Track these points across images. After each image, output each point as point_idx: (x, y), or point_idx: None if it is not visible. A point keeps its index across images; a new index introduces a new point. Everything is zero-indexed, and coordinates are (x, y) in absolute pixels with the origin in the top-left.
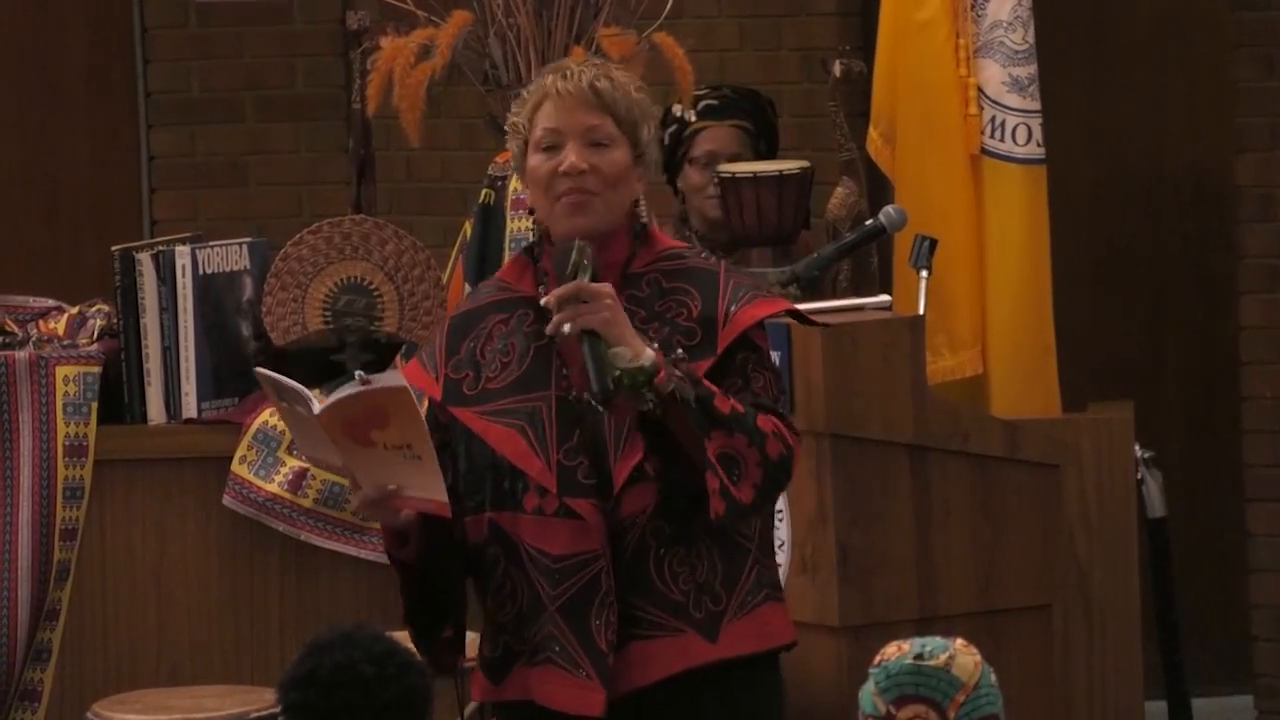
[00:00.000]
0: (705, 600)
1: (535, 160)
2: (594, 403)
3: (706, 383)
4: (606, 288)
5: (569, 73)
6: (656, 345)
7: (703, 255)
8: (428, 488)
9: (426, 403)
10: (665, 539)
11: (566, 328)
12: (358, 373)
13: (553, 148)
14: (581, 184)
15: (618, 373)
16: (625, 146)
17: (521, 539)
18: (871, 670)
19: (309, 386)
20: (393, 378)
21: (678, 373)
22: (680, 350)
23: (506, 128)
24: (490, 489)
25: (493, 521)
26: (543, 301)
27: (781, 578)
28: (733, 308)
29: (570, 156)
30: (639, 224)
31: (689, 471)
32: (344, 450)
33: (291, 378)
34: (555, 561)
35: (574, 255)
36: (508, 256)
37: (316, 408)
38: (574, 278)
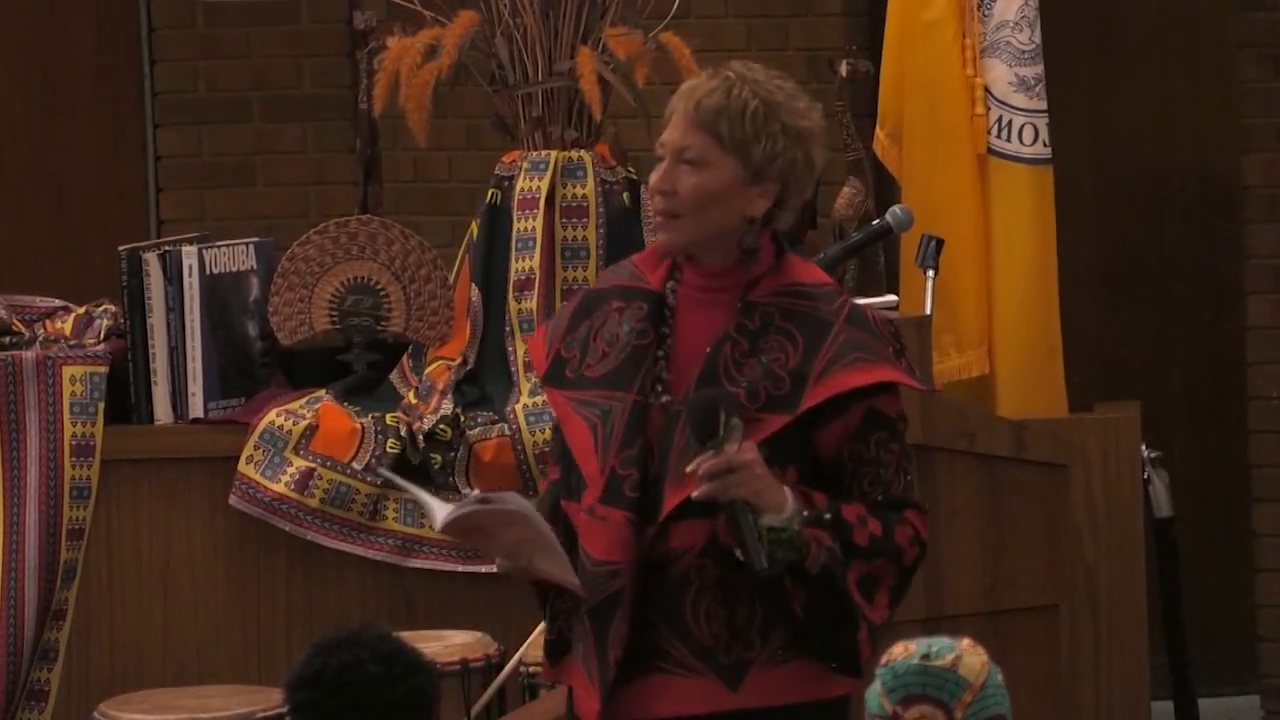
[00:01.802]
0: (737, 646)
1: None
2: (754, 571)
3: (845, 509)
4: (752, 454)
5: (694, 86)
6: (794, 506)
7: (833, 299)
8: (559, 570)
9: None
10: (708, 580)
11: (721, 497)
12: (474, 491)
13: (661, 160)
14: (664, 205)
15: (772, 535)
16: (726, 166)
17: (578, 533)
18: (878, 670)
19: (315, 387)
20: (513, 499)
21: (825, 536)
22: (808, 512)
23: None
24: (566, 475)
25: (563, 509)
26: (689, 469)
27: None
28: (829, 369)
29: (653, 176)
30: (752, 244)
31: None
32: (474, 540)
33: (298, 378)
34: (593, 565)
35: (725, 429)
36: (514, 257)
37: (439, 521)
38: (716, 446)
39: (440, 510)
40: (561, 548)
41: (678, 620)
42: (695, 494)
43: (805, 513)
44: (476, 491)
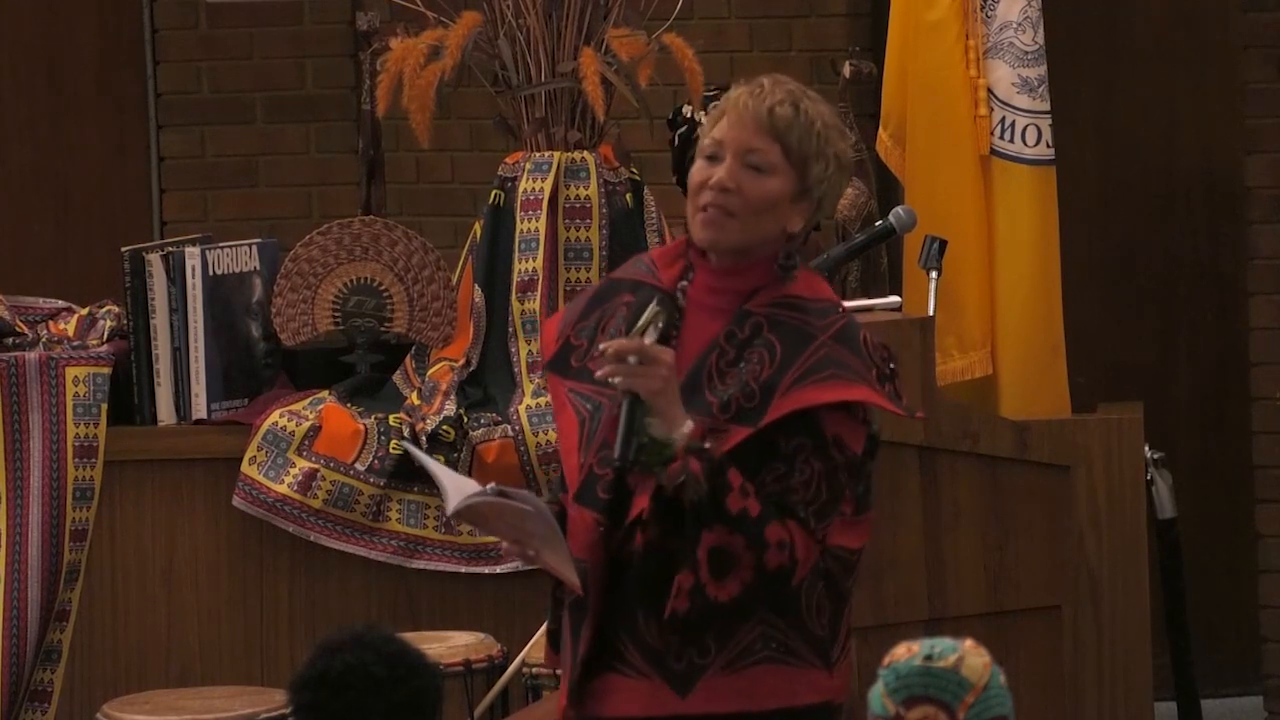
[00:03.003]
0: (690, 652)
1: (695, 166)
2: (613, 463)
3: (733, 473)
4: (666, 355)
5: (760, 89)
6: (694, 421)
7: (828, 314)
8: (562, 567)
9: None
10: (660, 582)
11: (616, 380)
12: (491, 485)
13: (713, 158)
14: (723, 201)
15: (646, 439)
16: (787, 178)
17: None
18: (881, 671)
19: (318, 388)
20: (527, 498)
21: (696, 464)
22: (707, 444)
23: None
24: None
25: (559, 500)
26: (600, 347)
27: None
28: (797, 383)
29: (720, 172)
30: (786, 259)
31: (681, 553)
32: (483, 525)
33: (300, 379)
34: (574, 561)
35: (646, 315)
36: (517, 257)
37: (451, 506)
38: (634, 333)
39: (455, 494)
40: (569, 549)
41: (631, 622)
42: (598, 372)
43: (693, 444)
44: (494, 485)
